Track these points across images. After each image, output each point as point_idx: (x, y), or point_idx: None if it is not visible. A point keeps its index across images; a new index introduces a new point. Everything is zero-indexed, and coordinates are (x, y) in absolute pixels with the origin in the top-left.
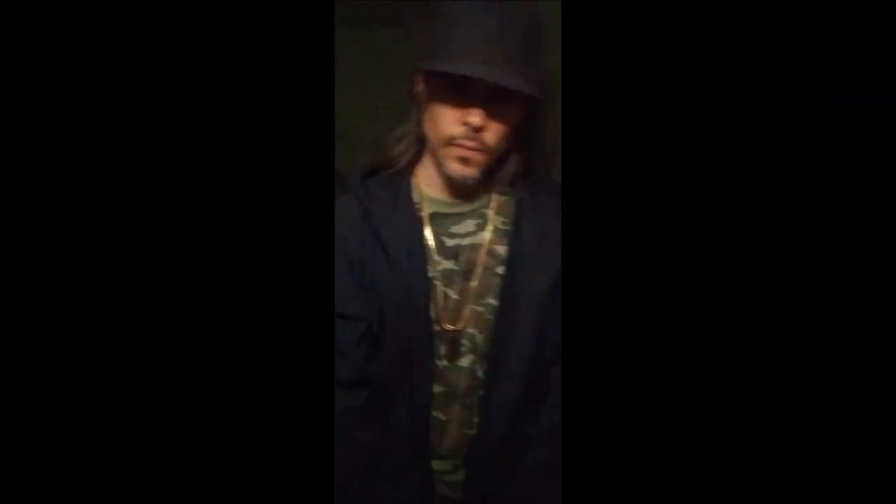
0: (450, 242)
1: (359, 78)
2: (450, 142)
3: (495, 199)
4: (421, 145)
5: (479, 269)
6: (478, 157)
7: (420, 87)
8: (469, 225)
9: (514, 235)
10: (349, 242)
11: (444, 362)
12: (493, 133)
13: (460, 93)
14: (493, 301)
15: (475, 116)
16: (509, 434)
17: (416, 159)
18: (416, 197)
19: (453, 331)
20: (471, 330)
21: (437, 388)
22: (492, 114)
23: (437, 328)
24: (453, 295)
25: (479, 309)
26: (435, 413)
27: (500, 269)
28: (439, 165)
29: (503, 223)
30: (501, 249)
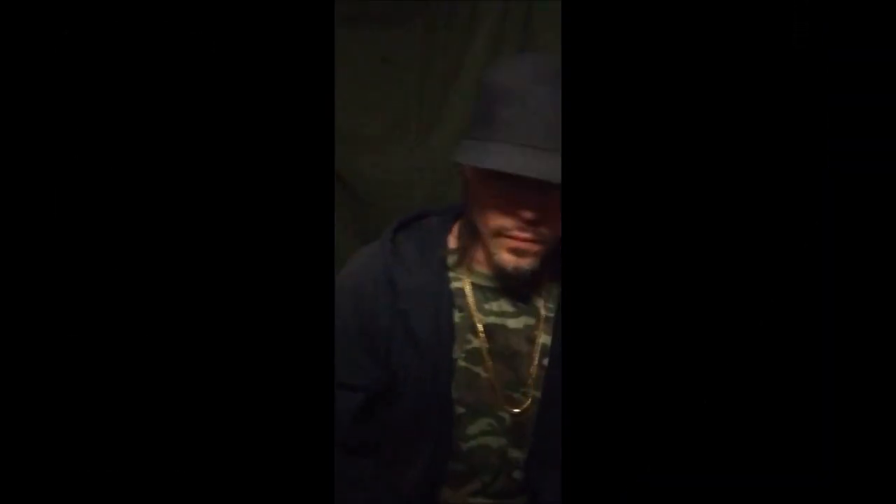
0: (484, 320)
1: (359, 78)
2: (500, 233)
3: (545, 283)
4: (471, 229)
5: (520, 357)
6: (534, 247)
7: (465, 172)
8: (505, 304)
9: (558, 324)
10: (366, 303)
11: (470, 443)
12: (552, 224)
13: (510, 181)
14: (535, 392)
15: (527, 211)
16: None
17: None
18: (451, 262)
19: (517, 414)
20: (503, 414)
21: (455, 466)
22: (550, 203)
23: (459, 410)
24: (483, 374)
25: (519, 397)
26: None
27: (545, 361)
28: (489, 252)
29: (549, 308)
30: (545, 339)
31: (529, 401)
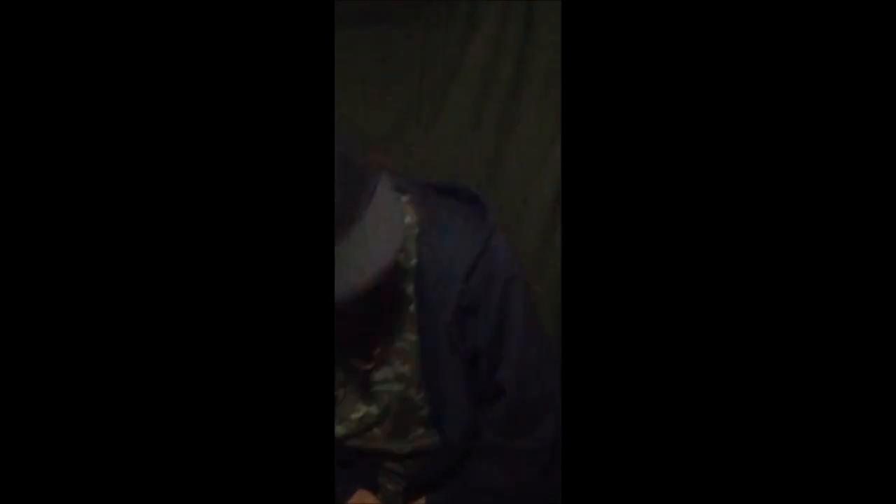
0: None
1: (359, 78)
2: None
3: None
4: None
5: (389, 313)
6: None
7: None
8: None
9: (417, 269)
10: None
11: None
12: None
13: None
14: (411, 336)
15: None
16: (463, 443)
17: None
18: None
19: (367, 369)
20: (396, 361)
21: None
22: None
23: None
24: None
25: (402, 345)
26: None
27: (412, 308)
28: None
29: (406, 260)
30: (408, 288)
31: (409, 347)
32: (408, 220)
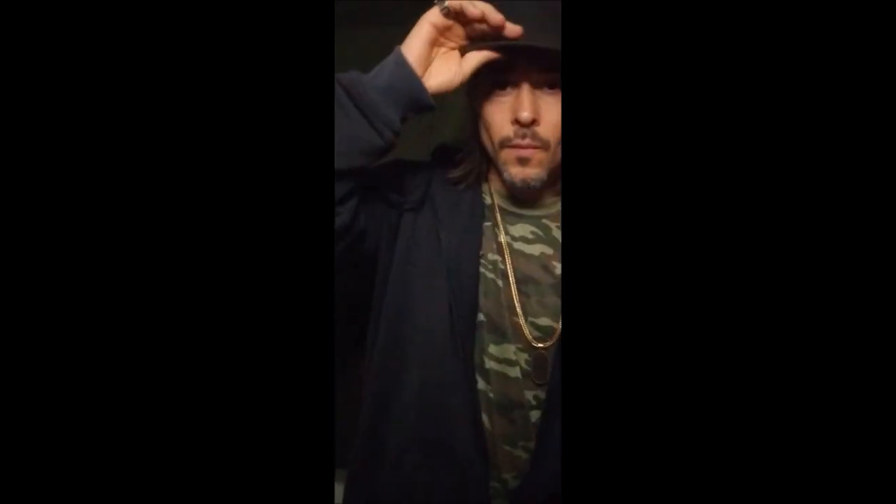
0: (506, 239)
1: None
2: (504, 144)
3: (557, 209)
4: (484, 160)
5: (533, 285)
6: (538, 154)
7: (471, 97)
8: (523, 229)
9: None
10: (404, 167)
11: (493, 364)
12: (548, 126)
13: (507, 87)
14: (552, 323)
15: (525, 111)
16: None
17: (481, 175)
18: (487, 199)
19: (541, 349)
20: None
21: (482, 386)
22: (543, 105)
23: (480, 317)
24: (504, 290)
25: (536, 332)
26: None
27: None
28: (501, 174)
29: None
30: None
31: (544, 334)
32: None
